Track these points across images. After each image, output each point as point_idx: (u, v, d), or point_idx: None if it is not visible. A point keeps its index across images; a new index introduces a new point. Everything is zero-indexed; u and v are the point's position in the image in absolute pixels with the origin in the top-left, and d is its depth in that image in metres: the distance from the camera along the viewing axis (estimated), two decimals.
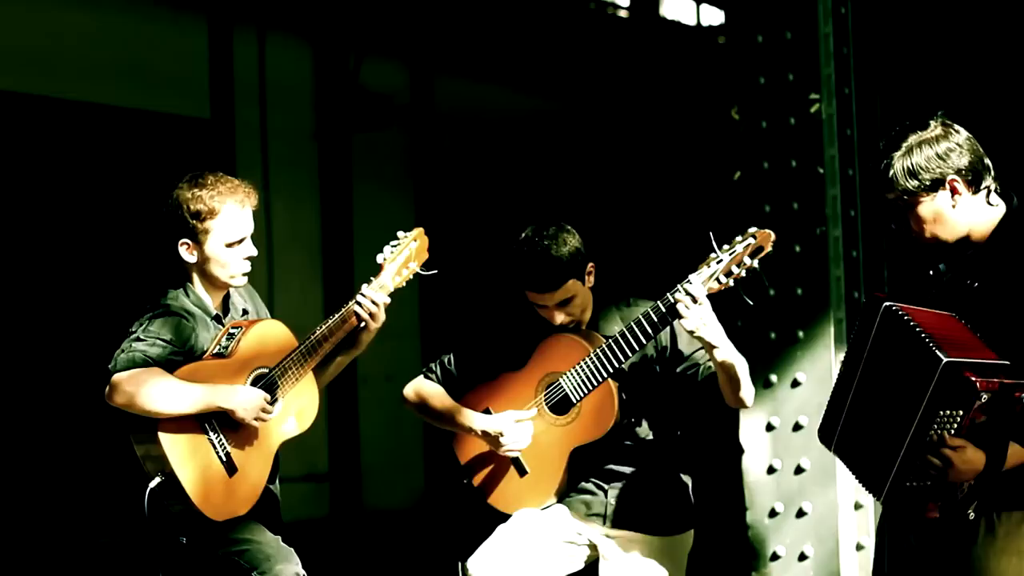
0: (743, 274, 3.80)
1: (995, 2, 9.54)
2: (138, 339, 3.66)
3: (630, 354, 3.86)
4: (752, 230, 3.80)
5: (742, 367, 3.84)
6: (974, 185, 3.21)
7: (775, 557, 6.08)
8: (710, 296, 3.76)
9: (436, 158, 10.21)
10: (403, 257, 3.99)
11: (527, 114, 10.69)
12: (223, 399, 3.64)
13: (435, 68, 10.21)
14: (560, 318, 3.96)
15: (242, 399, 3.66)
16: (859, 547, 5.83)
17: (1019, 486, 3.05)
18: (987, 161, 3.26)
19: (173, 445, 3.59)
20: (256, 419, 3.68)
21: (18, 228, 7.75)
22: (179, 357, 3.68)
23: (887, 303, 3.10)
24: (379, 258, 3.97)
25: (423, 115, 10.16)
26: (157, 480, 3.60)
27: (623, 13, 11.20)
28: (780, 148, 6.24)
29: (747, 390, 3.87)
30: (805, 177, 6.15)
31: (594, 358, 3.88)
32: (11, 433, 7.55)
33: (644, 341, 3.84)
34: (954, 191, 3.20)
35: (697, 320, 3.72)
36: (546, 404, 3.99)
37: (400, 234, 4.03)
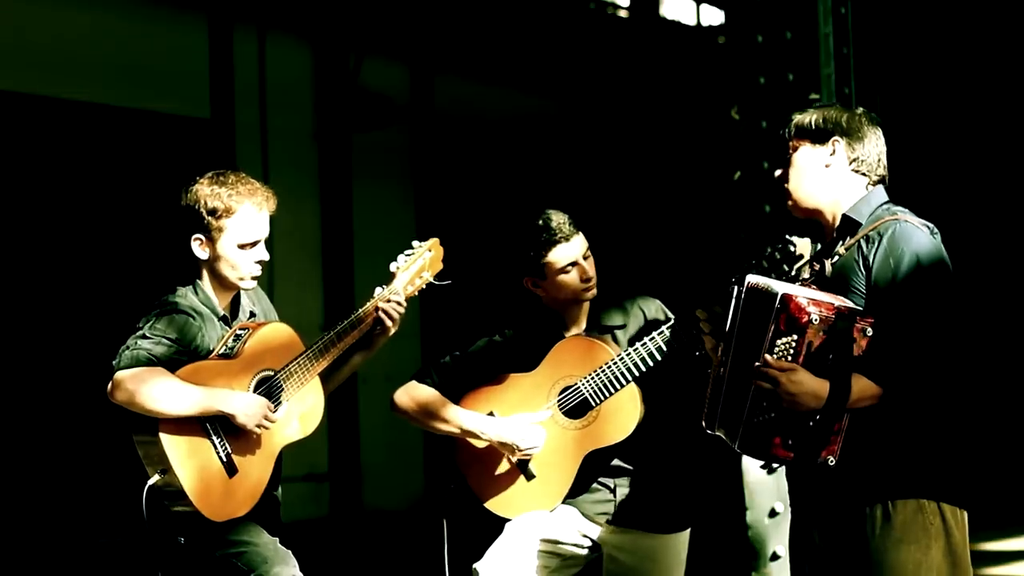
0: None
1: (993, 3, 9.55)
2: (144, 336, 3.63)
3: (660, 358, 3.86)
4: (795, 239, 3.82)
5: None
6: (856, 163, 3.23)
7: (775, 557, 6.08)
8: None
9: (436, 158, 10.21)
10: (417, 266, 3.98)
11: (527, 114, 10.69)
12: (224, 403, 3.62)
13: (435, 68, 10.21)
14: (590, 270, 3.95)
15: (244, 405, 3.65)
16: None
17: (912, 475, 3.06)
18: (882, 160, 3.27)
19: (174, 444, 3.58)
20: (258, 425, 3.67)
21: (18, 228, 7.75)
22: (184, 356, 3.65)
23: (750, 276, 3.14)
24: (392, 266, 3.95)
25: (423, 115, 10.16)
26: (155, 478, 3.58)
27: (623, 13, 11.19)
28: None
29: None
30: None
31: (620, 362, 3.86)
32: (11, 433, 7.55)
33: (676, 345, 3.84)
34: (834, 151, 3.24)
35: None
36: (560, 407, 3.97)
37: (415, 243, 4.02)
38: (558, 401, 3.97)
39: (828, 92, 6.17)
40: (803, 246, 3.83)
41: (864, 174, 3.24)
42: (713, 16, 11.27)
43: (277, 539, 3.77)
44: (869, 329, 2.96)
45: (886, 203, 3.23)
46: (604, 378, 3.88)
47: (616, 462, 3.98)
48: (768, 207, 6.22)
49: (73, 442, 7.72)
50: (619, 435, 3.91)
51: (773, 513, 6.09)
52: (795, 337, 2.96)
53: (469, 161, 10.37)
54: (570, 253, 3.93)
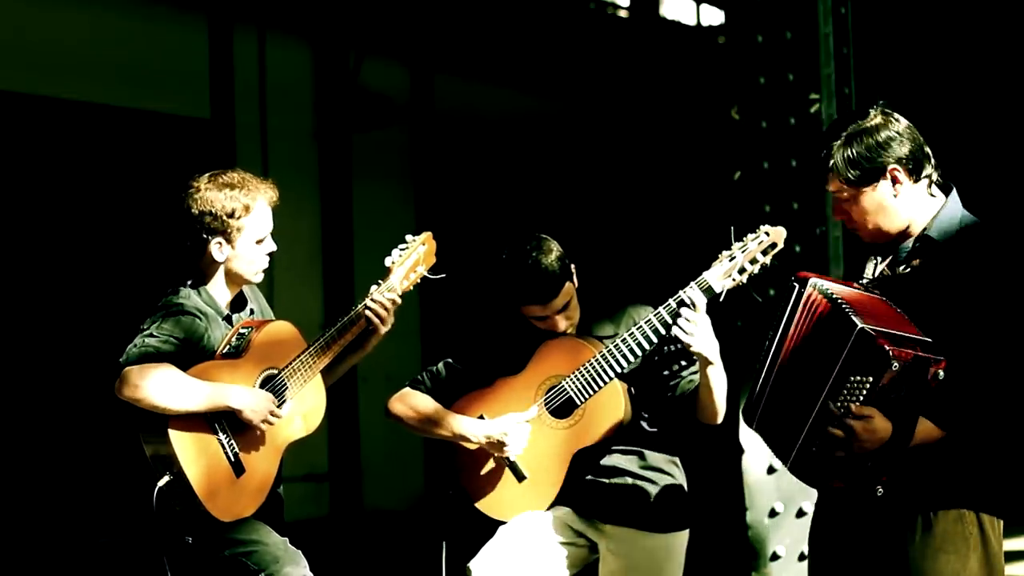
0: (756, 271, 3.80)
1: (993, 3, 9.54)
2: (151, 335, 3.65)
3: (640, 354, 3.86)
4: (765, 227, 3.81)
5: (724, 387, 3.86)
6: (915, 174, 3.15)
7: (775, 557, 6.08)
8: (714, 301, 3.77)
9: (436, 158, 10.21)
10: (411, 261, 3.98)
11: (527, 114, 10.69)
12: (232, 399, 3.63)
13: (435, 68, 10.21)
14: (563, 324, 3.95)
15: (250, 400, 3.66)
16: None
17: (953, 485, 3.03)
18: (927, 150, 3.19)
19: (182, 444, 3.59)
20: (264, 421, 3.68)
21: (18, 228, 7.75)
22: (190, 356, 3.67)
23: (813, 279, 3.08)
24: (387, 261, 3.95)
25: (423, 115, 10.16)
26: (165, 479, 3.59)
27: (623, 13, 11.20)
28: (780, 148, 6.24)
29: (722, 409, 3.89)
30: (805, 177, 6.15)
31: (601, 359, 3.86)
32: (12, 433, 7.55)
33: (655, 340, 3.84)
34: (895, 180, 3.14)
35: (699, 333, 3.69)
36: (547, 407, 3.97)
37: (408, 237, 4.02)
38: (544, 401, 3.97)
39: (828, 92, 6.17)
40: (776, 235, 3.83)
41: (925, 177, 3.17)
42: (713, 16, 11.27)
43: (287, 539, 3.78)
44: (941, 373, 2.87)
45: (963, 218, 3.15)
46: (587, 376, 3.88)
47: (610, 460, 3.98)
48: (768, 207, 6.22)
49: (74, 442, 7.72)
50: (605, 432, 3.91)
51: (773, 513, 6.09)
52: (870, 379, 2.88)
53: (469, 161, 10.37)
54: (545, 311, 3.92)
